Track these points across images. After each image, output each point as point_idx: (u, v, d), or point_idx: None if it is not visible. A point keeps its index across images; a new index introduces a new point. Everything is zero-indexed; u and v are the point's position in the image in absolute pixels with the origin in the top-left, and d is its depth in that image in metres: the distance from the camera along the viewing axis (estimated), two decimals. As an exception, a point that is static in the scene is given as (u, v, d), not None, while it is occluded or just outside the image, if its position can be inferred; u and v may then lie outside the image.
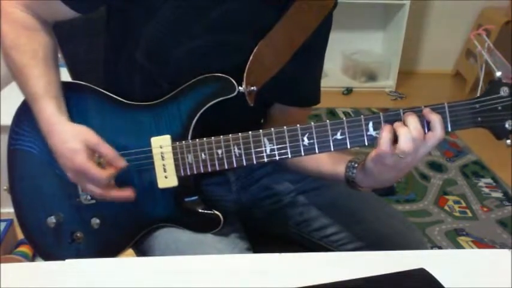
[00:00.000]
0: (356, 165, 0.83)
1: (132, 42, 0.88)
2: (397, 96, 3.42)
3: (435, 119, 0.73)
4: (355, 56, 3.56)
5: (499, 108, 0.74)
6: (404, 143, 0.72)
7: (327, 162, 0.89)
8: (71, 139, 0.82)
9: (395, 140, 0.73)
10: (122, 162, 0.84)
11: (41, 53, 0.86)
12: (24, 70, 0.84)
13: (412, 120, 0.73)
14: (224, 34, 0.86)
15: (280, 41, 0.88)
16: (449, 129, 0.75)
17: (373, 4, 3.39)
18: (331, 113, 3.10)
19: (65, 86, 0.89)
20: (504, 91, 0.73)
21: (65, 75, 1.01)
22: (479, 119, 0.74)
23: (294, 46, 0.89)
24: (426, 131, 0.74)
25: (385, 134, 0.74)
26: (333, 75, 3.53)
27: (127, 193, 0.85)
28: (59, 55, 0.97)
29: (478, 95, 0.75)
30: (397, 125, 0.74)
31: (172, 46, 0.85)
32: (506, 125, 0.74)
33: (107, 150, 0.83)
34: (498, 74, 0.74)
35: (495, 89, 0.74)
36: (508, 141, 0.75)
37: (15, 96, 0.91)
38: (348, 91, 3.45)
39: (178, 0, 0.83)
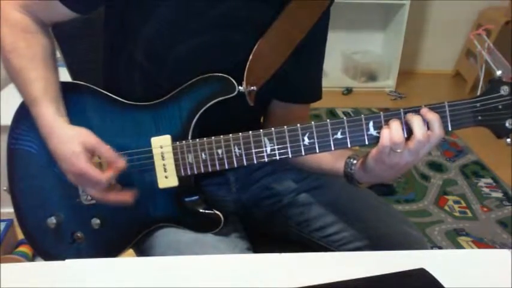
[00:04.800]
0: (355, 161, 0.84)
1: (130, 42, 0.88)
2: (397, 96, 3.42)
3: (433, 118, 0.73)
4: (355, 56, 3.56)
5: (500, 107, 0.74)
6: (419, 131, 0.73)
7: (327, 158, 0.89)
8: (70, 142, 0.82)
9: (408, 137, 0.74)
10: (121, 163, 0.83)
11: (39, 55, 0.86)
12: (22, 73, 0.84)
13: (416, 118, 0.74)
14: (223, 33, 0.86)
15: (279, 39, 0.88)
16: (450, 129, 0.75)
17: (373, 4, 3.39)
18: (331, 113, 3.10)
19: (65, 86, 0.89)
20: (504, 90, 0.74)
21: (65, 75, 1.01)
22: (479, 117, 0.75)
23: (292, 43, 0.89)
24: (426, 129, 0.74)
25: (385, 131, 0.74)
26: (333, 75, 3.53)
27: (125, 196, 0.85)
28: (59, 55, 0.97)
29: (479, 94, 0.75)
30: (409, 116, 0.74)
31: (171, 45, 0.85)
32: (507, 124, 0.74)
33: (106, 151, 0.83)
34: (498, 72, 0.74)
35: (495, 88, 0.74)
36: (508, 140, 0.75)
37: (15, 96, 0.91)
38: (348, 91, 3.45)
39: (176, 0, 0.83)
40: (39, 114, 0.84)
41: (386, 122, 0.76)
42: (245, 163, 0.82)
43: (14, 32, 0.85)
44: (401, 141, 0.73)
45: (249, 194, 1.04)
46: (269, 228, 1.06)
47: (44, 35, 0.88)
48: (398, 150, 0.74)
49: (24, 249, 1.76)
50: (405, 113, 0.75)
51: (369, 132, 0.77)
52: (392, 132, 0.74)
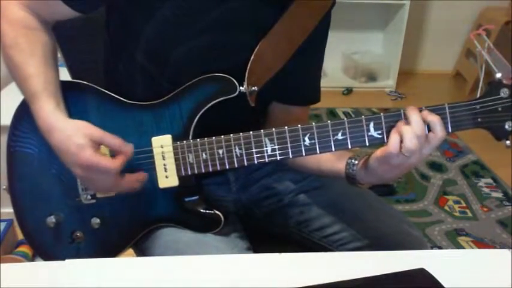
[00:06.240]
0: (356, 162, 0.84)
1: (132, 42, 0.88)
2: (397, 96, 3.42)
3: (434, 120, 0.73)
4: (355, 56, 3.56)
5: (499, 109, 0.74)
6: (409, 141, 0.73)
7: (327, 159, 0.89)
8: (74, 135, 0.81)
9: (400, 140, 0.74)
10: (129, 148, 0.82)
11: (39, 51, 0.85)
12: (22, 69, 0.84)
13: (414, 117, 0.73)
14: (224, 33, 0.86)
15: (280, 40, 0.88)
16: (450, 130, 0.75)
17: (373, 4, 3.39)
18: (332, 113, 3.10)
19: (66, 85, 0.89)
20: (504, 92, 0.74)
21: (65, 75, 1.01)
22: (479, 119, 0.75)
23: (294, 45, 0.89)
24: (427, 131, 0.74)
25: (395, 136, 0.74)
26: (333, 75, 3.53)
27: (139, 177, 0.84)
28: (59, 55, 0.97)
29: (478, 95, 0.76)
30: (399, 124, 0.75)
31: (172, 46, 0.86)
32: (506, 126, 0.75)
33: (113, 139, 0.82)
34: (498, 75, 0.74)
35: (495, 90, 0.74)
36: (508, 142, 0.75)
37: (15, 96, 0.91)
38: (348, 91, 3.45)
39: (178, 0, 0.83)
40: (39, 109, 0.83)
41: (388, 123, 0.76)
42: (246, 163, 0.82)
43: (15, 28, 0.85)
44: (416, 149, 0.73)
45: (249, 194, 1.04)
46: (269, 228, 1.06)
47: (45, 32, 0.88)
48: (408, 155, 0.74)
49: (24, 249, 1.76)
50: (406, 110, 0.75)
51: (370, 133, 0.77)
52: (406, 142, 0.73)
